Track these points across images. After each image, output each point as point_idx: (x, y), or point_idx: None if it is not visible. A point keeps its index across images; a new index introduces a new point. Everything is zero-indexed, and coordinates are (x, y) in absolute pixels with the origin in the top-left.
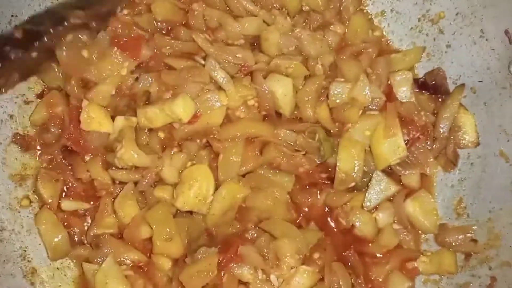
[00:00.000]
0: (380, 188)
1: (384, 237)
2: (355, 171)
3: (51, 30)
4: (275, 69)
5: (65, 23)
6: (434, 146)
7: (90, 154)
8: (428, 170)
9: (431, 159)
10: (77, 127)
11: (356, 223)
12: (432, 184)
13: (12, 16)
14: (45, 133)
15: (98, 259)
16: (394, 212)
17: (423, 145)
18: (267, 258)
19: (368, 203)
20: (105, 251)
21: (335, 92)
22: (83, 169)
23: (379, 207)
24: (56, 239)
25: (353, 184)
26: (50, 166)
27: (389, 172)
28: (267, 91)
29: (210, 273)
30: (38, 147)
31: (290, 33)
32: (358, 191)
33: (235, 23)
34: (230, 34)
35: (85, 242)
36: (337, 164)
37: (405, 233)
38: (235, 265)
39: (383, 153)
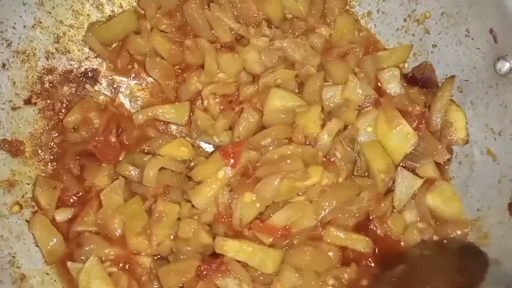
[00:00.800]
0: (406, 185)
1: (407, 235)
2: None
3: None
4: (266, 89)
5: None
6: None
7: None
8: (438, 157)
9: (439, 146)
10: (107, 137)
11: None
12: (446, 172)
13: None
14: (73, 134)
15: (82, 257)
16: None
17: (426, 133)
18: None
19: (397, 203)
20: (86, 248)
21: (328, 96)
22: (95, 174)
23: (405, 206)
24: (51, 243)
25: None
26: (52, 167)
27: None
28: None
29: (188, 274)
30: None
31: (270, 48)
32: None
33: (215, 63)
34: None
35: None
36: (373, 166)
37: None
38: (219, 275)
39: (395, 144)
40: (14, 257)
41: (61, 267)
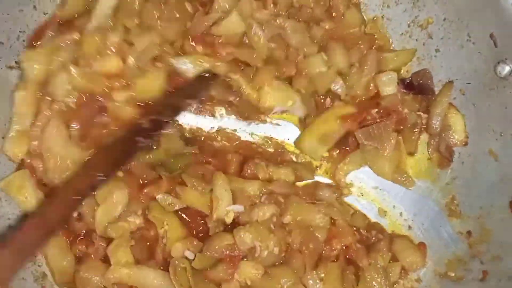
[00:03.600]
0: None
1: None
2: None
3: (171, 120)
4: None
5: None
6: (432, 142)
7: None
8: (385, 147)
9: (392, 140)
10: None
11: None
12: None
13: (20, 32)
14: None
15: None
16: None
17: (388, 127)
18: None
19: None
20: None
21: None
22: None
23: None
24: (64, 262)
25: None
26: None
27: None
28: None
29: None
30: None
31: (272, 22)
32: None
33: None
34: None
35: None
36: None
37: None
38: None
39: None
40: (35, 256)
41: None
